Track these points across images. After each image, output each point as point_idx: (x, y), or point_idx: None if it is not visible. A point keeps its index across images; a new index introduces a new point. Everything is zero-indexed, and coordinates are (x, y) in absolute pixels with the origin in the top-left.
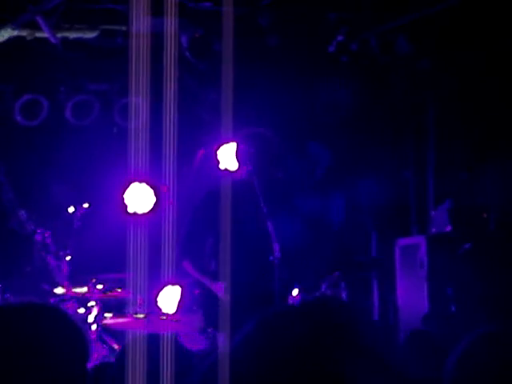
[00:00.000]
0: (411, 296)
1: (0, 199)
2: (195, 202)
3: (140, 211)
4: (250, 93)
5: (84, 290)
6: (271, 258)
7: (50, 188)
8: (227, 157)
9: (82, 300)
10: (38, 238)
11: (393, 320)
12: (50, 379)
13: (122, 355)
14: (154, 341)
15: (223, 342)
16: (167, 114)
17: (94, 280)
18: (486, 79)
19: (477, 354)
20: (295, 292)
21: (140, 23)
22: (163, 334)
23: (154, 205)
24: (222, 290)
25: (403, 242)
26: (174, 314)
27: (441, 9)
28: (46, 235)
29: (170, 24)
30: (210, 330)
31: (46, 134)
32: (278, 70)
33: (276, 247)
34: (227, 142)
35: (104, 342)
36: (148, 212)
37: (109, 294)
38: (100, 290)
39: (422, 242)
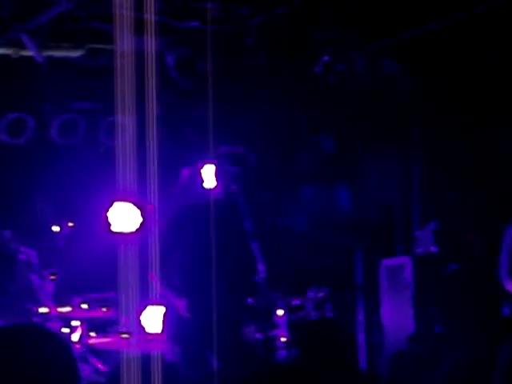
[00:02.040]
0: (396, 316)
1: None
2: (168, 214)
3: (124, 230)
4: (235, 112)
5: (68, 309)
6: (255, 278)
7: (35, 207)
8: (211, 176)
9: (66, 319)
10: (22, 257)
11: (378, 340)
12: None
13: (112, 376)
14: (144, 360)
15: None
16: (151, 132)
17: (78, 299)
18: (473, 100)
19: (460, 377)
20: (280, 312)
21: (124, 42)
22: (151, 353)
23: (140, 224)
24: (183, 307)
25: (388, 262)
26: (158, 333)
27: (429, 29)
28: (31, 254)
29: (151, 43)
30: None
31: (31, 153)
32: (263, 90)
33: (261, 267)
34: (211, 161)
35: (88, 361)
36: (133, 231)
37: (93, 313)
38: (84, 309)
39: (407, 263)
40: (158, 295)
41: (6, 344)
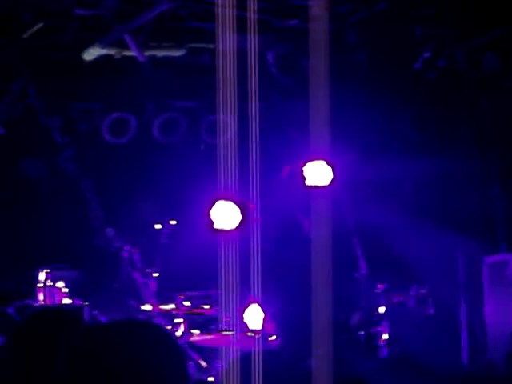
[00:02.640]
0: (500, 313)
1: (87, 216)
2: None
3: (226, 228)
4: (336, 109)
5: (171, 306)
6: (356, 274)
7: (138, 205)
8: (314, 174)
9: (169, 317)
10: (125, 254)
11: (481, 338)
12: None
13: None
14: (245, 357)
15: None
16: (252, 130)
17: (181, 297)
18: None
19: None
20: (382, 309)
21: (226, 41)
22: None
23: (241, 222)
24: (283, 304)
25: (491, 259)
26: (260, 331)
27: None
28: (133, 252)
29: (254, 41)
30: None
31: (133, 152)
32: (365, 86)
33: (362, 264)
34: (314, 159)
35: (191, 358)
36: (234, 229)
37: (196, 310)
38: (187, 306)
39: (510, 260)
40: (259, 293)
41: (115, 338)
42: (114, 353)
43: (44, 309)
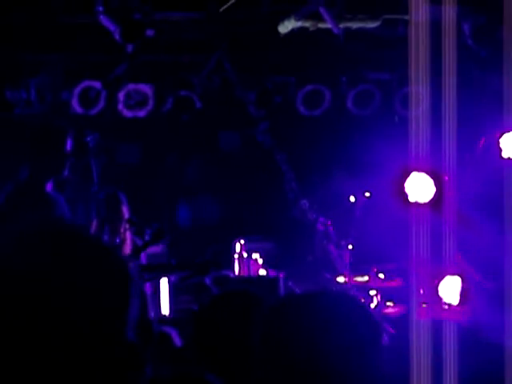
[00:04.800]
0: None
1: (282, 188)
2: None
3: (419, 200)
4: None
5: (365, 278)
6: None
7: (332, 177)
8: (510, 145)
9: (364, 289)
10: (319, 227)
11: None
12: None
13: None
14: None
15: None
16: (448, 102)
17: (374, 269)
18: None
19: None
20: None
21: (420, 12)
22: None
23: (435, 195)
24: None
25: None
26: (456, 305)
27: None
28: (328, 224)
29: (449, 12)
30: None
31: (327, 124)
32: None
33: None
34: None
35: (385, 330)
36: (428, 202)
37: (390, 282)
38: (381, 279)
39: None
40: (454, 265)
41: (311, 307)
42: (311, 322)
43: (225, 293)
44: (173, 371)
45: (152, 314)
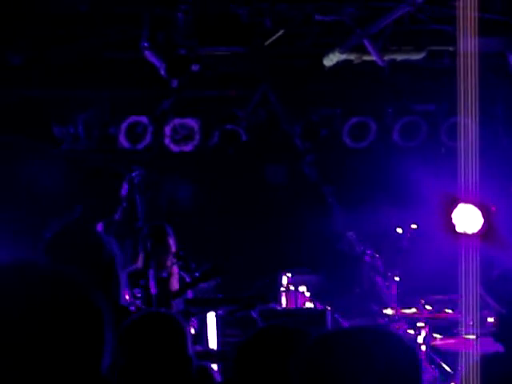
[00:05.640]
0: None
1: (329, 221)
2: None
3: (467, 231)
4: None
5: (413, 310)
6: None
7: (378, 209)
8: None
9: (411, 321)
10: (367, 259)
11: None
12: None
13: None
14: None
15: None
16: (497, 134)
17: (422, 301)
18: None
19: None
20: None
21: (468, 43)
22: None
23: (483, 225)
24: None
25: None
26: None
27: None
28: (375, 256)
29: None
30: None
31: (373, 156)
32: None
33: None
34: None
35: (434, 363)
36: (476, 233)
37: (438, 314)
38: (429, 310)
39: None
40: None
41: (354, 344)
42: (353, 358)
43: (268, 328)
44: None
45: (194, 349)
